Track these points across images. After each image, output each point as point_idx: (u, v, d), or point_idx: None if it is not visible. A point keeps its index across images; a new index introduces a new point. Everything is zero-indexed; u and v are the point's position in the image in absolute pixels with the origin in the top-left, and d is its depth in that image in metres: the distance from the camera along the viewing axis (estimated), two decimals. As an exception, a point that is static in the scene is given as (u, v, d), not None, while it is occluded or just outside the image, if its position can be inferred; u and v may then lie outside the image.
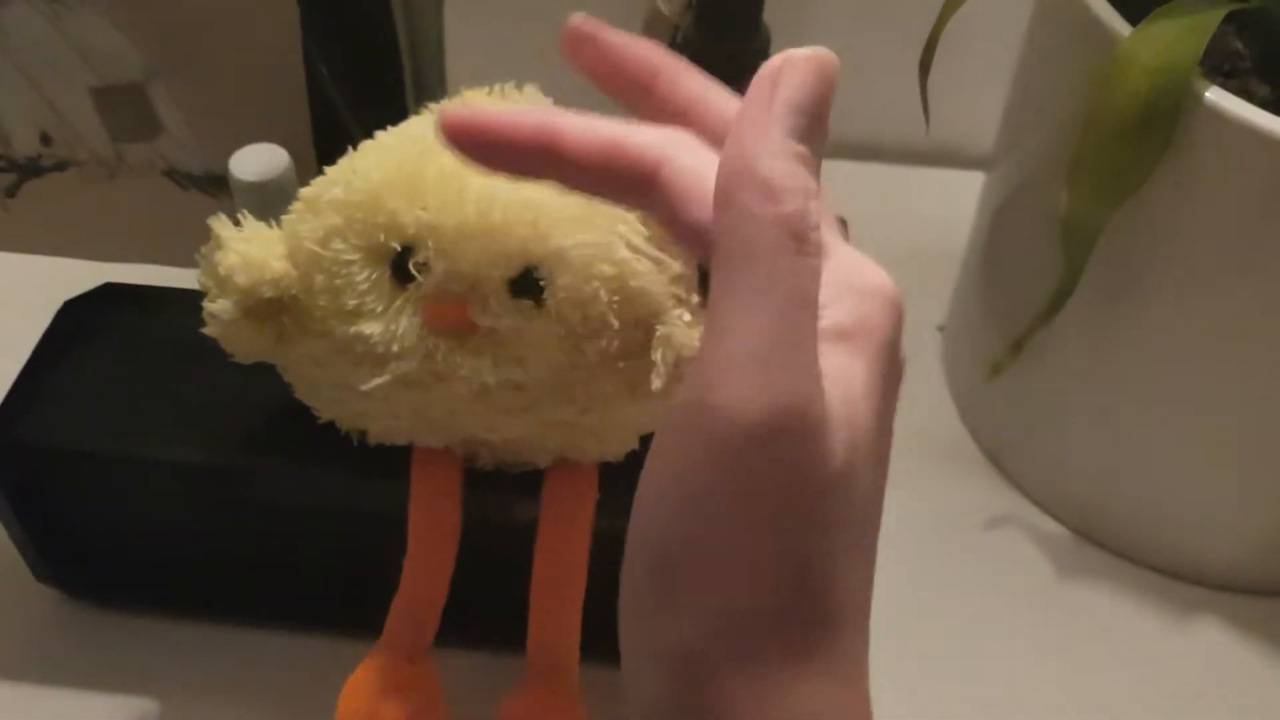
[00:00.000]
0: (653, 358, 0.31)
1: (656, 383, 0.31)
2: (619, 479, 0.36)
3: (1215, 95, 0.36)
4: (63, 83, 0.52)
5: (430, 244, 0.30)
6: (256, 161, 0.47)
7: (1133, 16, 0.38)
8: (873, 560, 0.24)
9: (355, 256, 0.31)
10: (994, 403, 0.52)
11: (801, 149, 0.22)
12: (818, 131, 0.23)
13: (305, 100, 0.52)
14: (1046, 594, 0.48)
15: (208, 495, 0.40)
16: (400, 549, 0.36)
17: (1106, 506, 0.49)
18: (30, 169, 0.54)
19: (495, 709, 0.35)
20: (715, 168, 0.23)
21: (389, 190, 0.31)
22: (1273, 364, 0.41)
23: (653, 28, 0.48)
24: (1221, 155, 0.37)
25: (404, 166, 0.31)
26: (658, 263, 0.31)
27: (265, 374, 0.36)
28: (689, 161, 0.24)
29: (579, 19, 0.26)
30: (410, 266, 0.31)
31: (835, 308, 0.23)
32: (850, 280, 0.23)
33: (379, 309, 0.31)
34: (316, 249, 0.31)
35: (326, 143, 0.50)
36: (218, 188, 0.54)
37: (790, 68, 0.23)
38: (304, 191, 0.33)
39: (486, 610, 0.37)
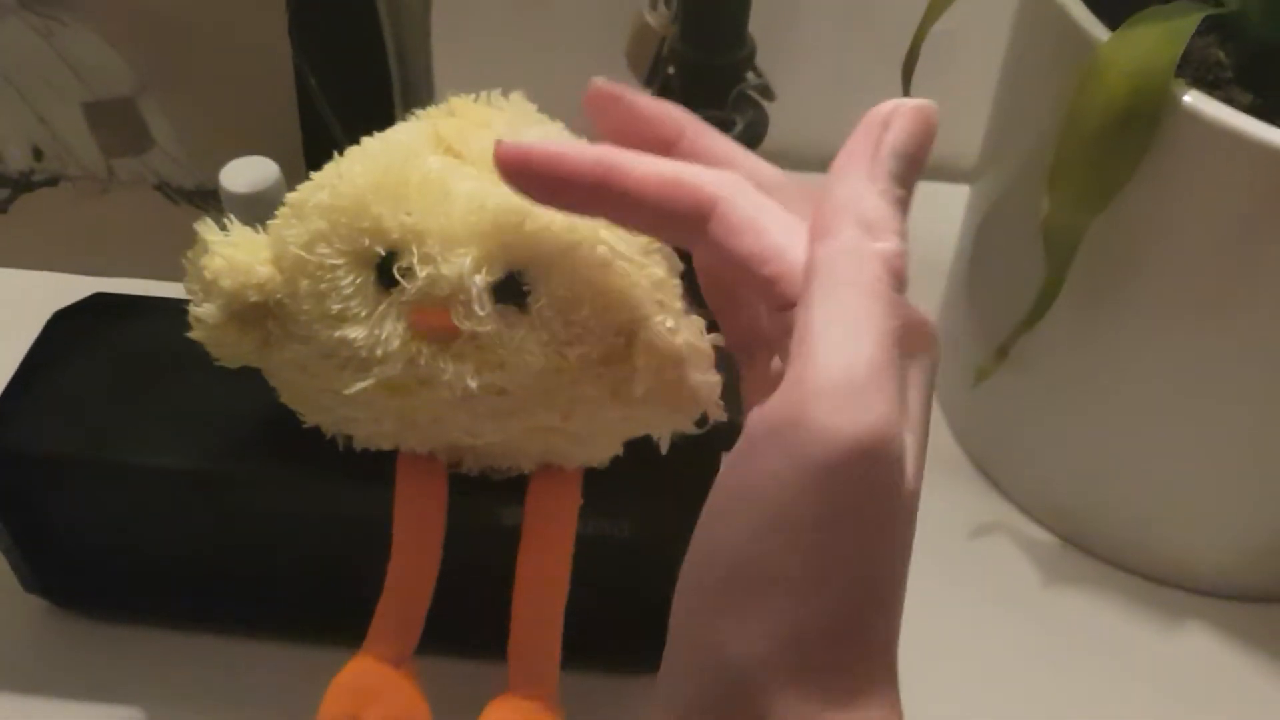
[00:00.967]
0: (635, 363, 0.31)
1: (639, 389, 0.31)
2: (603, 484, 0.36)
3: (1194, 99, 0.37)
4: (54, 97, 0.52)
5: (414, 249, 0.30)
6: (247, 174, 0.48)
7: (1114, 24, 0.39)
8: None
9: (340, 261, 0.31)
10: (981, 410, 0.52)
11: (901, 192, 0.24)
12: (914, 178, 0.25)
13: (295, 113, 0.53)
14: (1034, 601, 0.48)
15: (196, 502, 0.40)
16: (387, 554, 0.36)
17: (1093, 513, 0.49)
18: (22, 184, 0.55)
19: (477, 716, 0.35)
20: (767, 206, 0.24)
21: (374, 195, 0.31)
22: (1257, 367, 0.42)
23: (640, 39, 0.48)
24: (1200, 158, 0.38)
25: (389, 171, 0.31)
26: (640, 267, 0.31)
27: (253, 381, 0.36)
28: (744, 199, 0.25)
29: (601, 82, 0.27)
30: (394, 271, 0.31)
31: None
32: (909, 313, 0.24)
33: (363, 313, 0.31)
34: (301, 253, 0.31)
35: (317, 155, 0.50)
36: (209, 202, 0.55)
37: (900, 115, 0.25)
38: (290, 197, 0.33)
39: (470, 616, 0.37)
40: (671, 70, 0.47)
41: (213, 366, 0.35)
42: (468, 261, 0.30)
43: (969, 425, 0.53)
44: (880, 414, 0.22)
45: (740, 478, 0.23)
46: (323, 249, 0.31)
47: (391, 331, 0.31)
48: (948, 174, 0.63)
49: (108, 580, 0.43)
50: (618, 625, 0.38)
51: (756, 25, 0.48)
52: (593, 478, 0.36)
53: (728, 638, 0.23)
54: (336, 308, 0.31)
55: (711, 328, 0.31)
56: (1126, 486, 0.47)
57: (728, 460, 0.23)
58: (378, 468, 0.36)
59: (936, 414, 0.55)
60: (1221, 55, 0.42)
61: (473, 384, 0.31)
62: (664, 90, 0.48)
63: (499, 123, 0.32)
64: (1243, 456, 0.44)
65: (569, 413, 0.33)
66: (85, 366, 0.41)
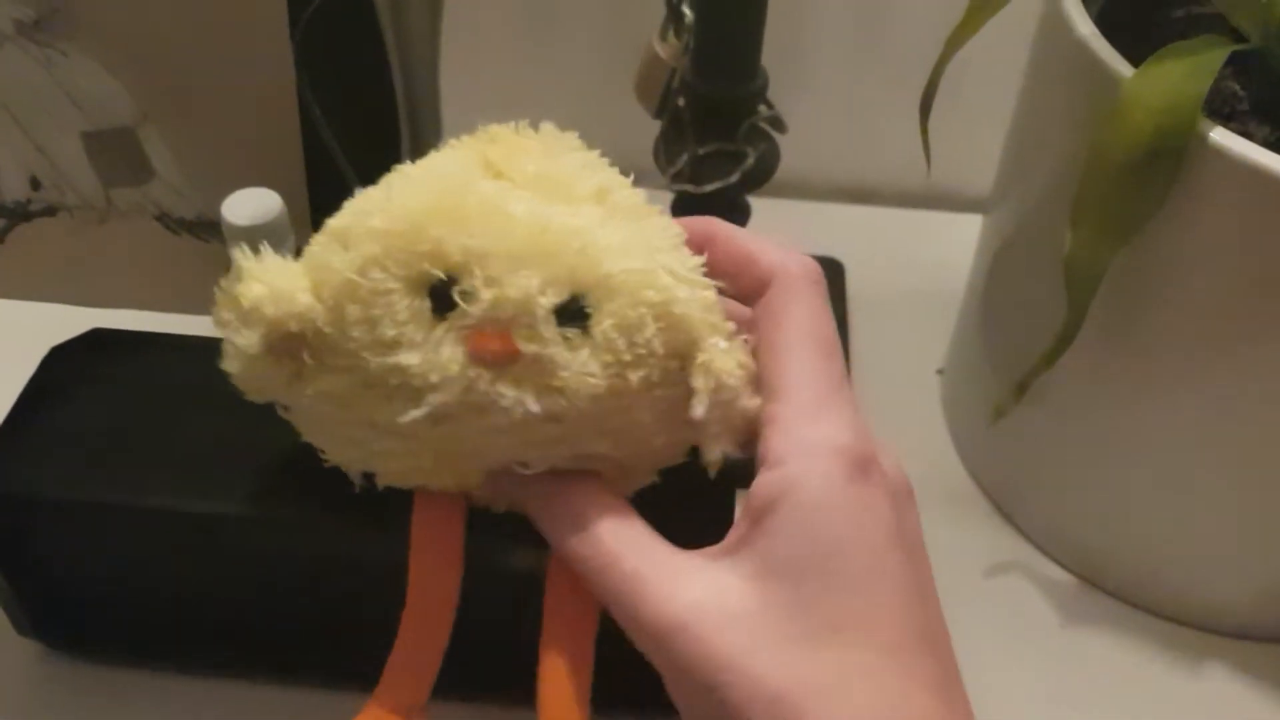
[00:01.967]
0: (694, 384, 0.30)
1: (698, 410, 0.30)
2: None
3: (1220, 135, 0.36)
4: (53, 127, 0.51)
5: (477, 271, 0.30)
6: (249, 206, 0.47)
7: (1130, 56, 0.38)
8: None
9: (396, 285, 0.30)
10: (996, 446, 0.51)
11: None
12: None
13: (299, 143, 0.52)
14: (1050, 640, 0.47)
15: (196, 544, 0.39)
16: (397, 599, 0.35)
17: (1111, 551, 0.48)
18: (19, 214, 0.54)
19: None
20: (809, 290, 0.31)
21: (432, 218, 0.30)
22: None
23: (649, 70, 0.47)
24: (1226, 195, 0.37)
25: (446, 194, 0.31)
26: (694, 288, 0.31)
27: (256, 419, 0.35)
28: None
29: None
30: (454, 294, 0.30)
31: None
32: None
33: (419, 338, 0.30)
34: (355, 278, 0.30)
35: (320, 186, 0.50)
36: (210, 232, 0.54)
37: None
38: (331, 223, 0.32)
39: (485, 659, 0.36)
40: (682, 102, 0.46)
41: (213, 405, 0.34)
42: (534, 283, 0.29)
43: (984, 460, 0.52)
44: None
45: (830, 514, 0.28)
46: (377, 274, 0.30)
47: (450, 356, 0.30)
48: (961, 203, 0.63)
49: (105, 623, 0.42)
50: (648, 665, 0.37)
51: (767, 56, 0.47)
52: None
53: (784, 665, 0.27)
54: (391, 333, 0.30)
55: None
56: (1146, 525, 0.46)
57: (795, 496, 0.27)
58: (388, 510, 0.35)
59: (950, 449, 0.54)
60: (1237, 87, 0.42)
61: (534, 408, 0.30)
62: (674, 122, 0.47)
63: (537, 150, 0.32)
64: (1265, 496, 0.44)
65: (620, 440, 0.32)
66: (82, 404, 0.40)
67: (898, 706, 0.26)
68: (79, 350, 0.42)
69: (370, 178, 0.32)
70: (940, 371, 0.57)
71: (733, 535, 0.29)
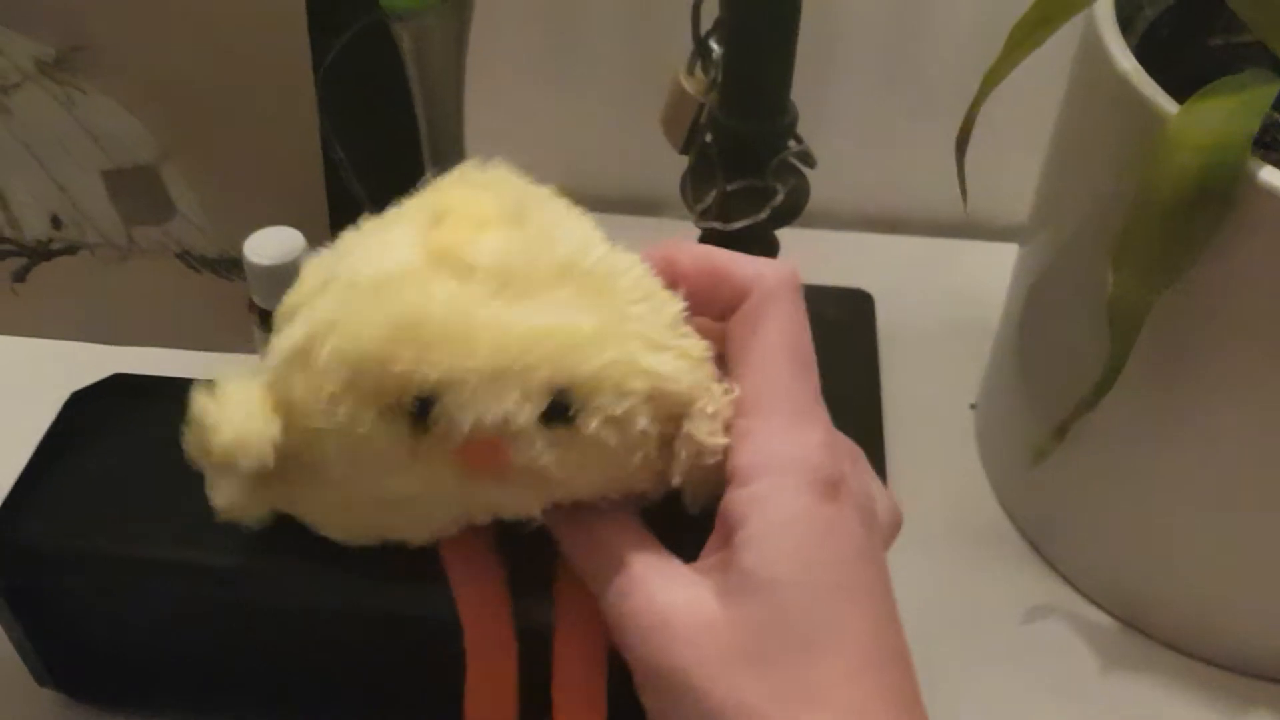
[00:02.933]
0: (675, 450, 0.30)
1: (676, 479, 0.30)
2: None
3: (1270, 175, 0.35)
4: (74, 166, 0.51)
5: (450, 398, 0.28)
6: (272, 245, 0.46)
7: (1168, 87, 0.37)
8: None
9: (369, 415, 0.29)
10: (1033, 484, 0.50)
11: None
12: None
13: (322, 183, 0.51)
14: (1092, 687, 0.46)
15: (217, 597, 0.38)
16: (418, 652, 0.34)
17: (1155, 595, 0.47)
18: (40, 252, 0.53)
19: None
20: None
21: (394, 346, 0.28)
22: (1331, 449, 0.40)
23: (676, 106, 0.47)
24: (1275, 236, 0.36)
25: (402, 317, 0.28)
26: (677, 353, 0.30)
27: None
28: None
29: None
30: (432, 417, 0.28)
31: None
32: None
33: (404, 460, 0.29)
34: (323, 412, 0.29)
35: (344, 224, 0.49)
36: (232, 270, 0.53)
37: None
38: (285, 342, 0.29)
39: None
40: (709, 138, 0.45)
41: None
42: (510, 400, 0.28)
43: (1021, 499, 0.51)
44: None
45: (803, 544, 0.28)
46: (346, 409, 0.29)
47: (442, 475, 0.29)
48: (994, 232, 0.62)
49: (125, 673, 0.42)
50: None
51: (795, 84, 0.47)
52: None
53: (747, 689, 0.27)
54: (374, 462, 0.29)
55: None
56: (1191, 568, 0.45)
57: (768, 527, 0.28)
58: (411, 564, 0.34)
59: (985, 487, 0.53)
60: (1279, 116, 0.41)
61: (537, 512, 0.30)
62: (701, 158, 0.46)
63: (493, 211, 0.30)
64: (1314, 539, 0.42)
65: (619, 491, 0.31)
66: (102, 453, 0.39)
67: None
68: (99, 396, 0.41)
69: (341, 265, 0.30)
70: (974, 406, 0.56)
71: (708, 549, 0.29)
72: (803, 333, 0.30)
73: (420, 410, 0.28)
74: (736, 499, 0.28)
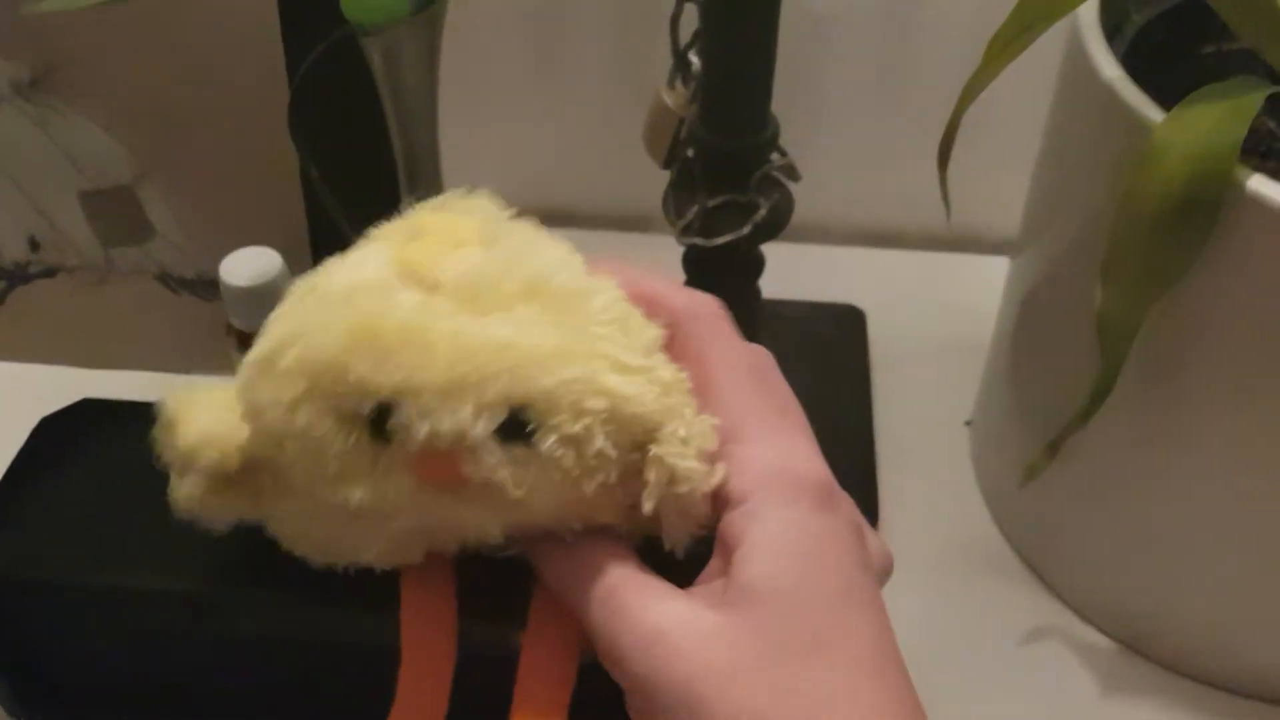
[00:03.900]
0: (646, 476, 0.29)
1: (647, 505, 0.29)
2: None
3: (1258, 184, 0.34)
4: (51, 187, 0.51)
5: (406, 406, 0.28)
6: (249, 266, 0.46)
7: (1158, 97, 0.36)
8: None
9: (327, 422, 0.29)
10: (1030, 504, 0.49)
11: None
12: None
13: (300, 200, 0.51)
14: (1091, 710, 0.45)
15: (189, 626, 0.38)
16: (389, 679, 0.33)
17: (1157, 616, 0.46)
18: (18, 276, 0.53)
19: None
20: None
21: (352, 353, 0.28)
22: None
23: (658, 120, 0.46)
24: (1266, 245, 0.35)
25: (361, 325, 0.29)
26: (646, 373, 0.29)
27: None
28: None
29: None
30: (390, 427, 0.28)
31: None
32: None
33: (364, 468, 0.29)
34: (283, 418, 0.29)
35: (324, 244, 0.49)
36: (212, 291, 0.53)
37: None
38: (253, 353, 0.30)
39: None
40: (691, 153, 0.45)
41: None
42: (466, 412, 0.28)
43: (1016, 520, 0.50)
44: None
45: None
46: (306, 413, 0.29)
47: (398, 486, 0.29)
48: (985, 245, 0.61)
49: (96, 704, 0.41)
50: None
51: (778, 94, 0.46)
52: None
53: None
54: (334, 468, 0.29)
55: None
56: (1190, 587, 0.44)
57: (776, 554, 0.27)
58: (385, 591, 0.33)
59: (981, 507, 0.52)
60: (1273, 125, 0.40)
61: (495, 529, 0.30)
62: (683, 173, 0.45)
63: (470, 234, 0.30)
64: (1316, 557, 0.41)
65: (587, 526, 0.31)
66: (72, 480, 0.39)
67: None
68: (68, 422, 0.41)
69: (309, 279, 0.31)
70: (969, 423, 0.55)
71: (705, 575, 0.29)
72: (749, 351, 0.30)
73: (379, 419, 0.28)
74: (731, 520, 0.28)
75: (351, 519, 0.30)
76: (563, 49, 0.60)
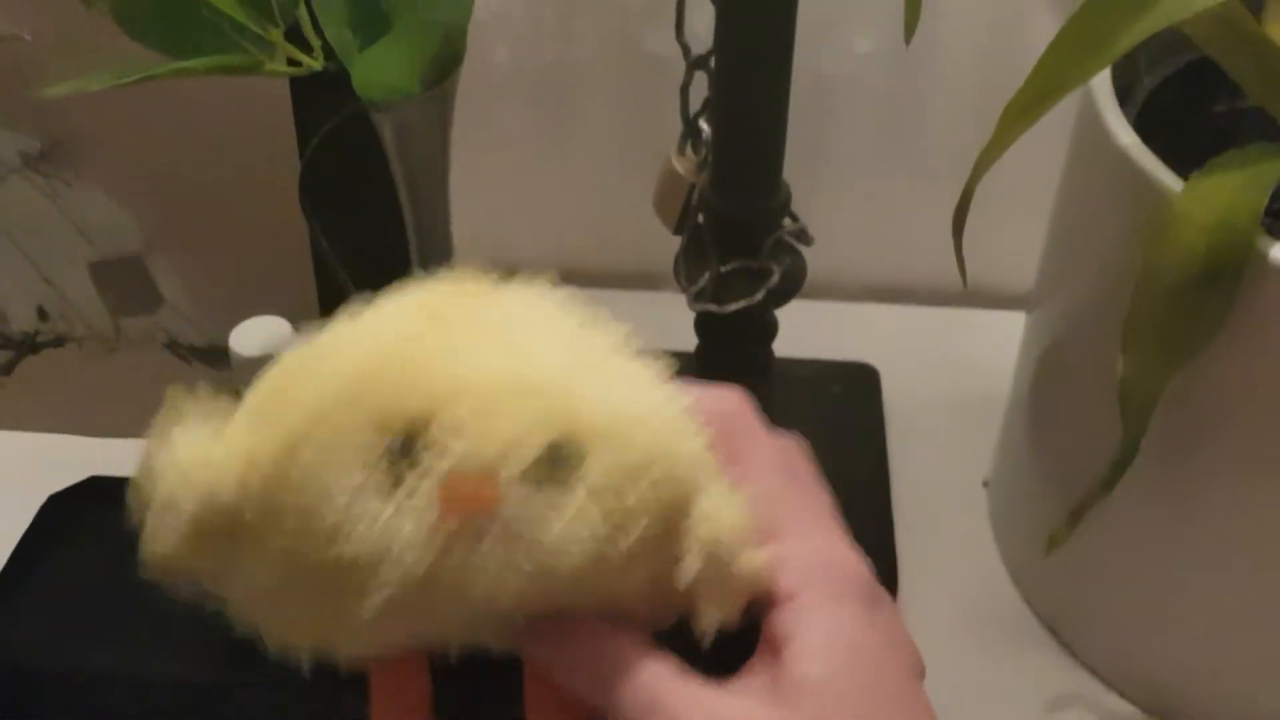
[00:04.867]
0: (683, 546, 0.27)
1: (686, 577, 0.27)
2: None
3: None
4: (60, 258, 0.51)
5: (438, 424, 0.26)
6: (258, 335, 0.45)
7: (1172, 157, 0.36)
8: None
9: (349, 443, 0.26)
10: (1052, 567, 0.47)
11: None
12: None
13: (310, 269, 0.51)
14: (1120, 781, 0.44)
15: (194, 711, 0.37)
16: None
17: (1185, 685, 0.45)
18: (27, 345, 0.53)
19: None
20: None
21: (374, 382, 0.26)
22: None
23: (668, 186, 0.46)
24: (1290, 313, 0.34)
25: (394, 348, 0.27)
26: (684, 437, 0.28)
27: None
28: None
29: None
30: (416, 452, 0.26)
31: None
32: None
33: (373, 508, 0.27)
34: (281, 463, 0.27)
35: (334, 313, 0.48)
36: (222, 360, 0.52)
37: None
38: (251, 401, 0.28)
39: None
40: (702, 219, 0.44)
41: None
42: (504, 434, 0.26)
43: (1039, 583, 0.49)
44: None
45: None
46: (309, 454, 0.27)
47: (417, 521, 0.26)
48: (1000, 300, 0.61)
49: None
50: None
51: (791, 169, 0.46)
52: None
53: None
54: (342, 501, 0.27)
55: None
56: (1217, 656, 0.43)
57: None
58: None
59: (1000, 570, 0.51)
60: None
61: (528, 568, 0.27)
62: (694, 239, 0.45)
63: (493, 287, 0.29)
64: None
65: (606, 606, 0.29)
66: (76, 562, 0.39)
67: None
68: (76, 500, 0.41)
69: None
70: (986, 483, 0.54)
71: (752, 667, 0.28)
72: (785, 448, 0.30)
73: (402, 451, 0.26)
74: (780, 617, 0.28)
75: (343, 574, 0.27)
76: (576, 114, 0.60)
